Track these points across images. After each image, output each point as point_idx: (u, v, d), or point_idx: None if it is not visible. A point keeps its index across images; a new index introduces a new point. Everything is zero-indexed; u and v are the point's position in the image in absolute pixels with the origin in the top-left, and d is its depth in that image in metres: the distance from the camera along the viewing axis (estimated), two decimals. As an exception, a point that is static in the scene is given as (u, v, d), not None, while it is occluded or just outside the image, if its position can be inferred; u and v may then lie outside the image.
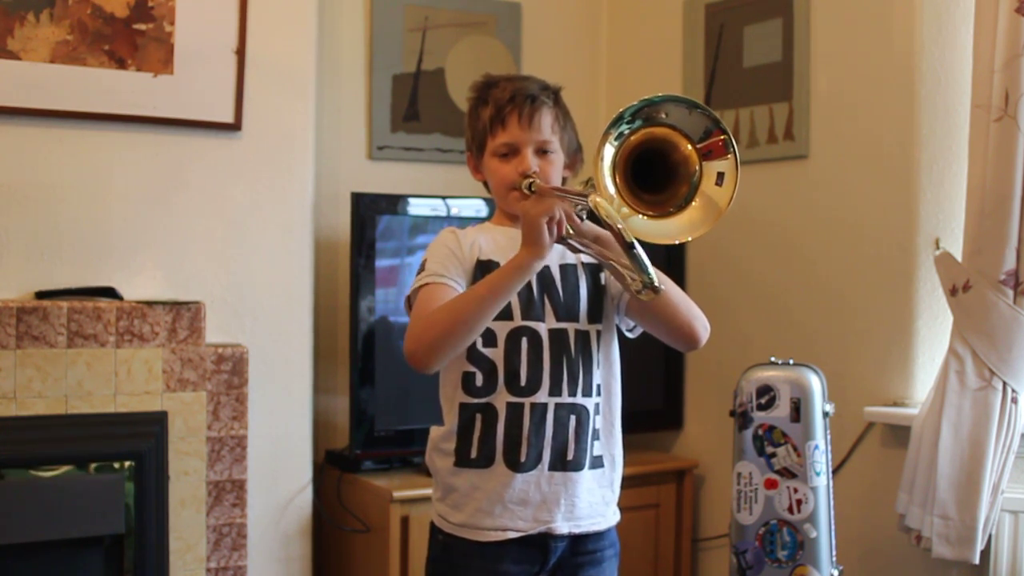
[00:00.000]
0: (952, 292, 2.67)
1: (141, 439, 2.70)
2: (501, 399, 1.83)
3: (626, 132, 1.64)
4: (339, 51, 3.38)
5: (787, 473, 2.67)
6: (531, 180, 1.84)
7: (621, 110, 1.62)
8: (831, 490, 2.69)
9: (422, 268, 1.88)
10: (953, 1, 2.82)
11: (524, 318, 1.84)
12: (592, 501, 1.88)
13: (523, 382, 1.83)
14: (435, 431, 1.92)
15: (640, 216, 1.66)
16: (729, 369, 3.04)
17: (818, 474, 2.65)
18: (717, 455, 3.35)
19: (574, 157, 1.96)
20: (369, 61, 3.42)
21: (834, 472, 2.79)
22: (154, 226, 2.88)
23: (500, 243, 1.89)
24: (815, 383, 2.68)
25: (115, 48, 2.81)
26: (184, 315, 2.79)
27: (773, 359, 2.75)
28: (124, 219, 2.85)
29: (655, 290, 1.65)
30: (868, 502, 2.95)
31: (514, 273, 1.73)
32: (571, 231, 1.74)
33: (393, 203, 3.10)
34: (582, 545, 1.89)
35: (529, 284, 1.85)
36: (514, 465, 1.83)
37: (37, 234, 2.76)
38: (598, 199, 1.64)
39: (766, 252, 3.28)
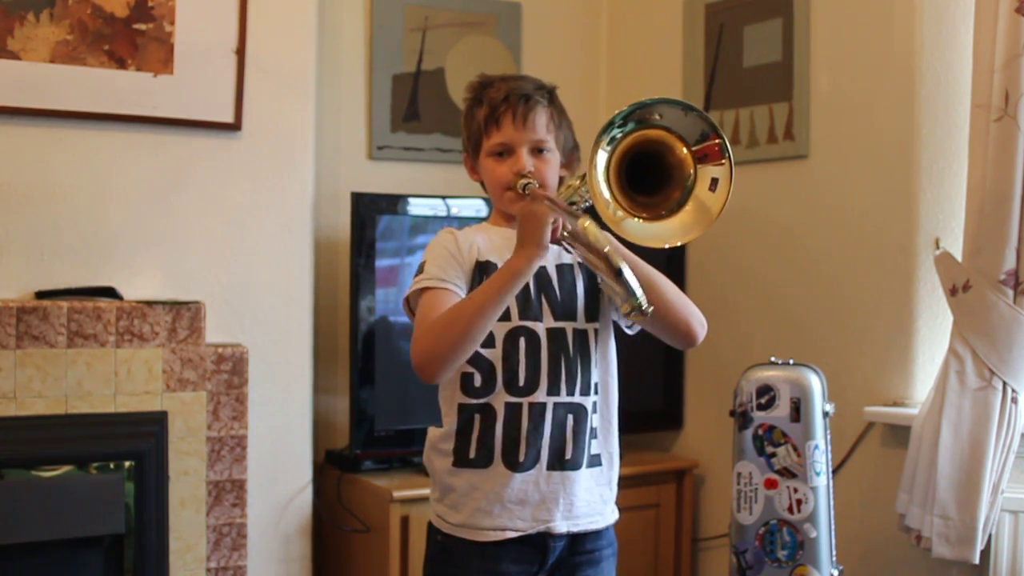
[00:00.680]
0: (952, 292, 2.67)
1: (141, 439, 2.70)
2: (499, 399, 1.83)
3: (618, 136, 1.63)
4: (339, 51, 3.38)
5: (787, 473, 2.67)
6: (526, 180, 1.84)
7: (612, 116, 1.62)
8: (831, 490, 2.69)
9: (421, 270, 1.88)
10: (953, 1, 2.82)
11: (522, 318, 1.84)
12: (590, 500, 1.89)
13: (521, 382, 1.83)
14: (433, 432, 1.92)
15: (635, 219, 1.66)
16: (729, 369, 3.04)
17: (818, 474, 2.65)
18: (717, 455, 3.35)
19: (570, 156, 1.96)
20: (369, 61, 3.42)
21: (834, 472, 2.79)
22: (154, 226, 2.88)
23: (497, 243, 1.89)
24: (815, 383, 2.68)
25: (115, 48, 2.81)
26: (184, 315, 2.79)
27: (773, 359, 2.75)
28: (124, 219, 2.85)
29: (643, 313, 1.65)
30: (868, 502, 2.95)
31: (510, 278, 1.73)
32: (565, 236, 1.74)
33: (393, 203, 3.10)
34: (580, 545, 1.89)
35: (527, 284, 1.85)
36: (512, 465, 1.83)
37: (37, 234, 2.76)
38: (586, 224, 1.66)
39: (766, 252, 3.28)
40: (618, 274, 1.64)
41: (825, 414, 2.68)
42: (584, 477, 1.87)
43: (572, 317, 1.87)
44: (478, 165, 1.95)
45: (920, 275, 2.88)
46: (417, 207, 3.15)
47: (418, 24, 3.47)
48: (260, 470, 2.96)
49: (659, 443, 3.59)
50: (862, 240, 3.01)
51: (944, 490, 2.61)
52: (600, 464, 1.90)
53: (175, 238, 2.90)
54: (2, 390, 2.60)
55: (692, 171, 1.67)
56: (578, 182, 1.71)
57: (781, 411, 2.68)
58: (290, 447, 3.04)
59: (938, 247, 2.78)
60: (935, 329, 2.87)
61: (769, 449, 2.68)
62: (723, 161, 1.66)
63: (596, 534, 1.90)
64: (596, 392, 1.89)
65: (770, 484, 2.68)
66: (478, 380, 1.84)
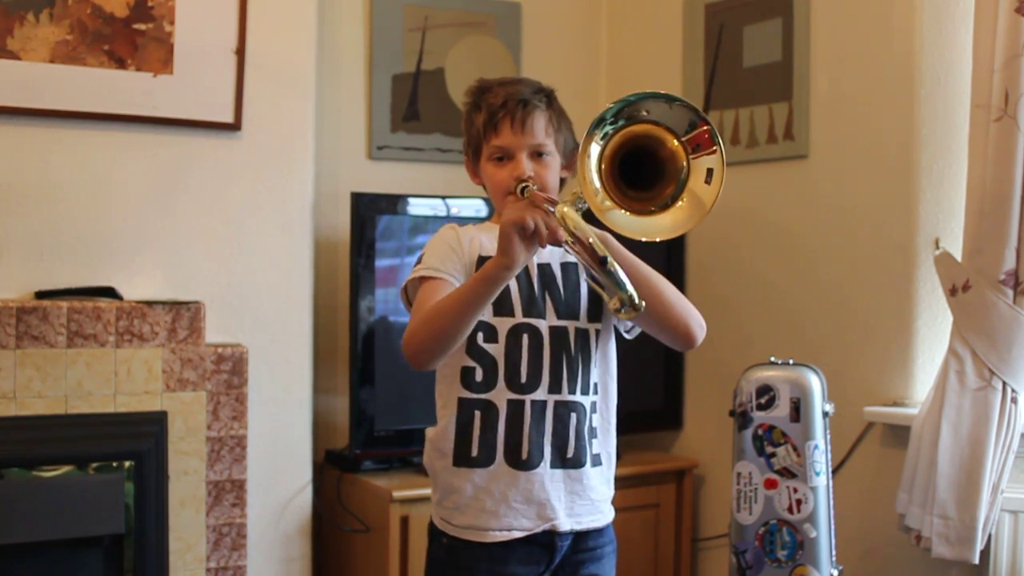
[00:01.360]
0: (952, 292, 2.67)
1: (141, 439, 2.70)
2: (501, 396, 1.84)
3: (610, 132, 1.63)
4: (339, 51, 3.38)
5: (787, 473, 2.67)
6: (526, 184, 1.84)
7: (602, 111, 1.61)
8: (831, 490, 2.69)
9: (420, 260, 1.88)
10: (953, 1, 2.82)
11: (525, 315, 1.85)
12: (593, 498, 1.89)
13: (523, 379, 1.83)
14: (431, 432, 1.91)
15: (622, 211, 1.64)
16: (729, 369, 3.04)
17: (818, 474, 2.65)
18: (717, 455, 3.35)
19: (571, 158, 1.95)
20: (369, 61, 3.42)
21: (834, 472, 2.79)
22: (154, 226, 2.88)
23: None
24: (815, 383, 2.68)
25: (115, 48, 2.81)
26: (184, 315, 2.79)
27: (773, 359, 2.75)
28: (124, 219, 2.85)
29: (635, 307, 1.62)
30: (868, 502, 2.95)
31: (483, 284, 1.70)
32: (568, 239, 1.72)
33: (393, 203, 3.10)
34: (583, 542, 1.90)
35: (531, 281, 1.86)
36: (516, 463, 1.83)
37: (37, 234, 2.76)
38: (565, 209, 1.64)
39: (766, 252, 3.28)
40: (602, 263, 1.61)
41: (825, 414, 2.68)
42: (587, 476, 1.87)
43: (575, 316, 1.88)
44: (479, 169, 1.95)
45: (920, 275, 2.88)
46: (417, 207, 3.15)
47: (418, 24, 3.47)
48: (260, 470, 2.96)
49: (659, 443, 3.59)
50: (862, 240, 3.01)
51: (944, 490, 2.61)
52: (601, 463, 1.91)
53: (175, 238, 2.90)
54: (2, 390, 2.60)
55: (685, 163, 1.66)
56: (573, 196, 1.70)
57: (781, 411, 2.68)
58: (290, 447, 3.04)
59: (938, 247, 2.78)
60: (935, 329, 2.87)
61: (769, 449, 2.68)
62: (714, 149, 1.65)
63: (598, 531, 1.91)
64: (596, 392, 1.90)
65: (770, 484, 2.68)
66: (479, 374, 1.84)
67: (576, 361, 1.86)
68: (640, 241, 1.66)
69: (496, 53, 3.59)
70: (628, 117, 1.63)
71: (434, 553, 1.92)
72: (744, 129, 3.30)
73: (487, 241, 1.89)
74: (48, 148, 2.78)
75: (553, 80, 1.99)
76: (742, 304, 3.32)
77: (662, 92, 1.64)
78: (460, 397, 1.86)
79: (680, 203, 1.66)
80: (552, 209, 1.67)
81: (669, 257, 3.36)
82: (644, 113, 1.64)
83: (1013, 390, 2.58)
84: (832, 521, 2.68)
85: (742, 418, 2.73)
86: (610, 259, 1.62)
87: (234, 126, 2.94)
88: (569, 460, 1.85)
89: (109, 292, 2.78)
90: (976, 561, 2.59)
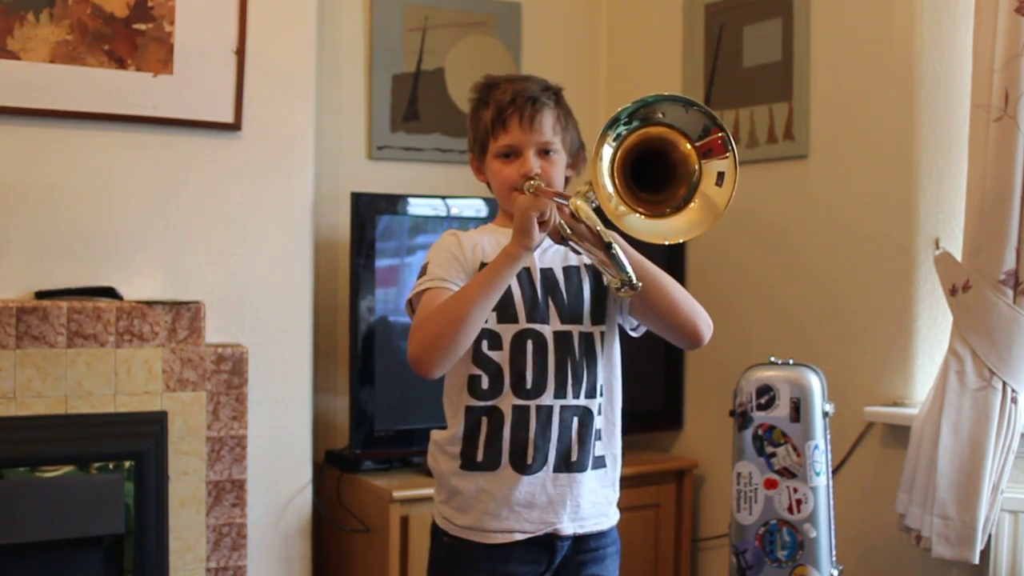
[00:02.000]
0: (952, 292, 2.67)
1: (141, 439, 2.70)
2: (507, 402, 1.83)
3: (624, 133, 1.63)
4: (339, 51, 3.38)
5: (787, 473, 2.67)
6: (533, 182, 1.84)
7: (617, 111, 1.62)
8: (831, 490, 2.69)
9: (423, 272, 1.88)
10: (953, 1, 2.82)
11: (529, 320, 1.85)
12: (596, 501, 1.89)
13: (529, 385, 1.83)
14: (438, 434, 1.91)
15: (636, 215, 1.65)
16: (729, 369, 3.04)
17: (818, 474, 2.65)
18: (717, 455, 3.35)
19: (576, 157, 1.96)
20: (369, 61, 3.42)
21: (834, 472, 2.79)
22: (154, 226, 2.88)
23: (503, 244, 1.89)
24: (815, 383, 2.68)
25: (115, 48, 2.81)
26: (184, 315, 2.79)
27: (773, 359, 2.75)
28: (124, 219, 2.85)
29: (632, 287, 1.66)
30: (868, 502, 2.95)
31: (505, 261, 1.74)
32: (568, 230, 1.74)
33: (393, 203, 3.10)
34: (585, 543, 1.89)
35: (533, 287, 1.86)
36: (520, 468, 1.83)
37: (37, 234, 2.76)
38: (578, 202, 1.66)
39: (766, 252, 3.28)
40: (608, 247, 1.65)
41: (825, 414, 2.68)
42: (589, 479, 1.87)
43: (578, 320, 1.87)
44: (484, 166, 1.95)
45: (920, 275, 2.88)
46: (417, 207, 3.15)
47: (418, 24, 3.47)
48: (260, 470, 2.96)
49: (659, 443, 3.59)
50: (862, 240, 3.01)
51: (944, 490, 2.61)
52: (604, 466, 1.90)
53: (175, 238, 2.90)
54: (2, 390, 2.60)
55: (697, 167, 1.66)
56: (586, 187, 1.70)
57: (781, 411, 2.68)
58: (290, 447, 3.04)
59: (938, 247, 2.78)
60: (935, 329, 2.87)
61: (769, 449, 2.68)
62: (727, 155, 1.65)
63: (601, 534, 1.91)
64: (601, 395, 1.90)
65: (770, 484, 2.68)
66: (485, 382, 1.84)
67: (581, 365, 1.86)
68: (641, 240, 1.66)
69: (496, 53, 3.59)
70: (643, 118, 1.63)
71: (436, 553, 1.93)
72: (744, 129, 3.30)
73: (489, 246, 1.89)
74: (48, 148, 2.78)
75: (553, 80, 1.99)
76: (742, 304, 3.32)
77: (680, 96, 1.66)
78: (468, 405, 1.85)
79: (693, 204, 1.66)
80: (564, 202, 1.71)
81: (669, 257, 3.36)
82: (660, 115, 1.64)
83: (1013, 390, 2.58)
84: (832, 521, 2.68)
85: (742, 418, 2.73)
86: (615, 244, 1.66)
87: (234, 126, 2.94)
88: (573, 463, 1.85)
89: (109, 292, 2.78)
90: (976, 561, 2.59)
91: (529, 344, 1.84)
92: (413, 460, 3.15)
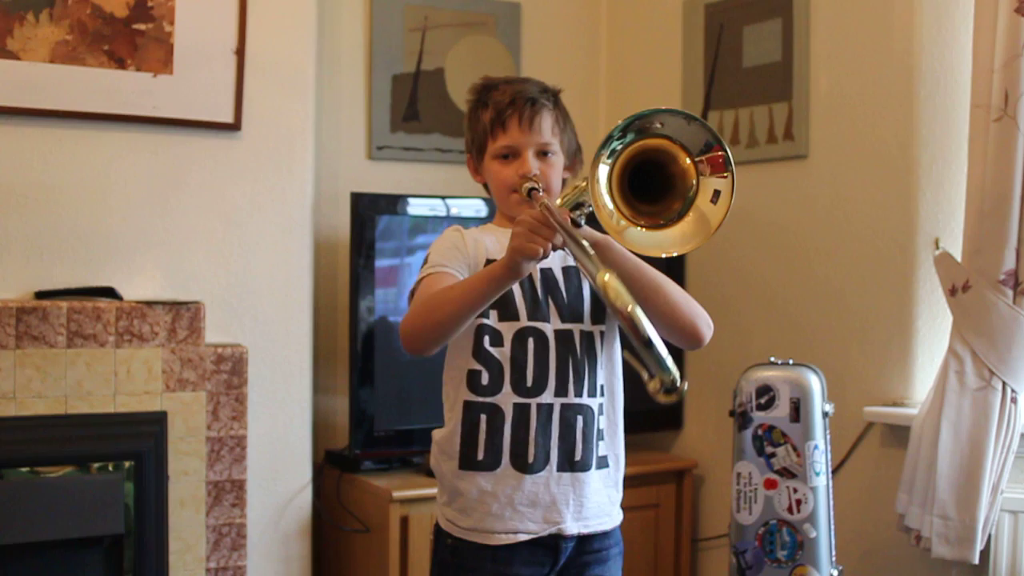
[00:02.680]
0: (952, 292, 2.67)
1: (141, 439, 2.70)
2: (507, 400, 1.83)
3: (618, 148, 1.62)
4: (339, 51, 3.38)
5: (787, 473, 2.67)
6: (531, 184, 1.84)
7: (610, 129, 1.61)
8: (831, 490, 2.69)
9: (426, 262, 1.88)
10: (953, 1, 2.82)
11: (530, 319, 1.85)
12: (600, 501, 1.89)
13: (529, 382, 1.83)
14: (438, 434, 1.91)
15: (637, 228, 1.65)
16: (729, 369, 3.04)
17: (818, 474, 2.65)
18: (717, 455, 3.35)
19: (574, 159, 1.96)
20: (369, 61, 3.42)
21: (834, 472, 2.79)
22: (154, 226, 2.88)
23: (504, 244, 1.88)
24: (815, 383, 2.68)
25: (115, 48, 2.81)
26: (184, 315, 2.79)
27: (773, 359, 2.75)
28: (124, 219, 2.85)
29: (675, 392, 1.49)
30: (868, 502, 2.95)
31: (487, 284, 1.71)
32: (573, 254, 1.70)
33: (393, 203, 3.10)
34: (589, 544, 1.89)
35: (533, 286, 1.86)
36: (522, 467, 1.83)
37: (37, 234, 2.76)
38: (606, 278, 1.52)
39: (766, 252, 3.28)
40: (648, 344, 1.48)
41: (825, 414, 2.68)
42: (594, 478, 1.87)
43: (579, 319, 1.87)
44: (482, 167, 1.95)
45: (920, 275, 2.88)
46: (417, 207, 3.15)
47: (418, 24, 3.47)
48: (260, 470, 2.96)
49: (659, 443, 3.59)
50: (862, 240, 3.01)
51: (944, 490, 2.61)
52: (608, 466, 1.90)
53: (175, 238, 2.90)
54: (2, 390, 2.60)
55: (695, 182, 1.66)
56: (584, 183, 1.70)
57: (781, 411, 2.68)
58: (290, 447, 3.04)
59: (938, 247, 2.78)
60: (935, 329, 2.87)
61: (769, 449, 2.68)
62: (726, 174, 1.65)
63: (604, 534, 1.91)
64: (602, 394, 1.90)
65: (770, 484, 2.68)
66: (485, 378, 1.84)
67: (582, 364, 1.86)
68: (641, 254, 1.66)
69: (496, 53, 3.59)
70: (639, 131, 1.63)
71: (439, 555, 1.92)
72: (744, 129, 3.30)
73: (491, 244, 1.89)
74: (48, 148, 2.78)
75: (553, 80, 1.99)
76: (742, 304, 3.32)
77: (680, 110, 1.65)
78: (466, 400, 1.85)
79: (687, 218, 1.66)
80: (595, 273, 1.54)
81: (669, 258, 3.35)
82: (658, 126, 1.63)
83: (1013, 390, 2.58)
84: (832, 521, 2.68)
85: (742, 418, 2.73)
86: (655, 340, 1.49)
87: (234, 126, 2.94)
88: (577, 463, 1.85)
89: (109, 292, 2.78)
90: (976, 561, 2.59)
91: (530, 342, 1.84)
92: (413, 460, 3.15)
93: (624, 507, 1.98)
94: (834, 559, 2.68)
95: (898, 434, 2.88)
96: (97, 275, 2.82)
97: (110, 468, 2.66)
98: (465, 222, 2.11)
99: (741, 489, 2.72)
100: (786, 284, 3.22)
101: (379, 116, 3.42)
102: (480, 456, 1.84)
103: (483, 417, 1.84)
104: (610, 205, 1.63)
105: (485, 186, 1.98)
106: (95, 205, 2.82)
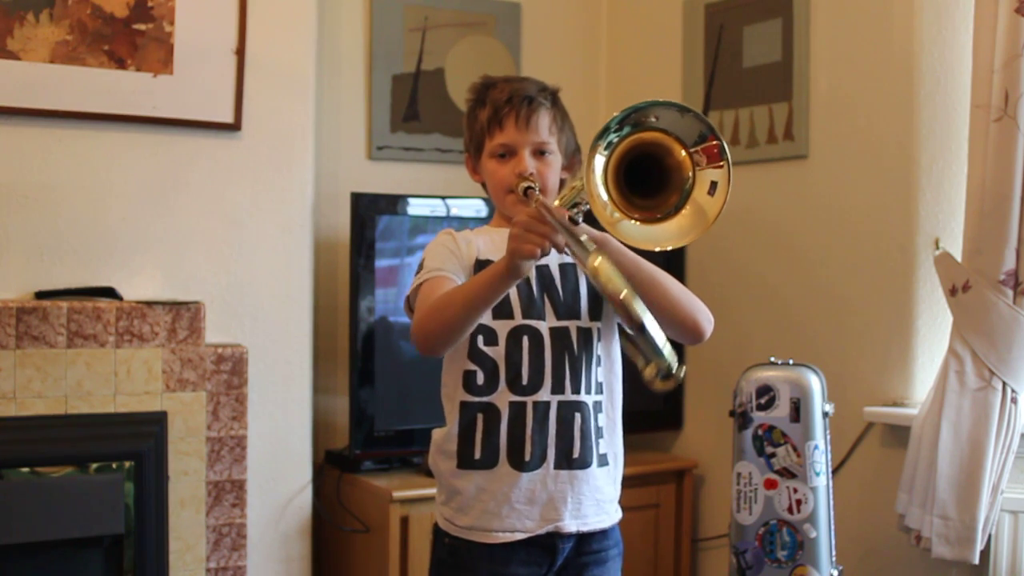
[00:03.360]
0: (952, 292, 2.67)
1: (141, 439, 2.70)
2: (503, 398, 1.83)
3: (615, 141, 1.62)
4: (339, 51, 3.38)
5: (787, 473, 2.67)
6: (528, 183, 1.83)
7: (607, 121, 1.61)
8: (831, 490, 2.69)
9: (420, 267, 1.89)
10: (953, 1, 2.82)
11: (525, 317, 1.84)
12: (598, 499, 1.88)
13: (525, 381, 1.83)
14: (437, 433, 1.91)
15: (632, 222, 1.64)
16: (729, 369, 3.04)
17: (818, 474, 2.65)
18: (717, 455, 3.35)
19: (572, 158, 1.96)
20: (369, 61, 3.42)
21: (834, 472, 2.79)
22: (154, 226, 2.88)
23: (498, 244, 1.88)
24: (815, 383, 2.68)
25: (115, 48, 2.81)
26: (184, 315, 2.79)
27: (773, 359, 2.75)
28: (124, 219, 2.85)
29: (672, 378, 1.56)
30: (868, 502, 2.95)
31: (489, 288, 1.70)
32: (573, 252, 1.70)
33: (393, 203, 3.10)
34: (587, 545, 1.89)
35: (529, 283, 1.86)
36: (519, 465, 1.83)
37: (37, 234, 2.76)
38: (597, 263, 1.57)
39: (766, 252, 3.28)
40: (641, 329, 1.54)
41: (825, 414, 2.68)
42: (592, 476, 1.87)
43: (575, 316, 1.87)
44: (480, 166, 1.95)
45: (920, 275, 2.88)
46: (416, 207, 3.15)
47: (418, 24, 3.47)
48: (260, 470, 2.96)
49: (659, 443, 3.59)
50: (862, 240, 3.01)
51: (944, 490, 2.61)
52: (607, 464, 1.90)
53: (175, 238, 2.90)
54: (2, 390, 2.60)
55: (691, 174, 1.66)
56: (580, 184, 1.69)
57: (781, 411, 2.68)
58: (290, 447, 3.04)
59: (938, 247, 2.78)
60: (935, 329, 2.87)
61: (769, 449, 2.68)
62: (721, 164, 1.65)
63: (603, 533, 1.90)
64: (600, 392, 1.89)
65: (770, 484, 2.68)
66: (480, 378, 1.84)
67: (580, 360, 1.86)
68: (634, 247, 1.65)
69: (496, 53, 3.59)
70: (635, 124, 1.62)
71: (437, 554, 1.92)
72: (744, 129, 3.30)
73: (483, 244, 1.90)
74: (48, 148, 2.78)
75: (553, 81, 1.99)
76: (742, 304, 3.32)
77: (675, 102, 1.65)
78: (463, 400, 1.85)
79: (684, 211, 1.66)
80: (586, 258, 1.60)
81: (669, 257, 3.34)
82: (653, 119, 1.63)
83: (1013, 390, 2.58)
84: (832, 521, 2.68)
85: (742, 418, 2.73)
86: (648, 323, 1.55)
87: (234, 126, 2.94)
88: (575, 460, 1.85)
89: (109, 292, 2.78)
90: (976, 561, 2.59)
91: (525, 340, 1.84)
92: (413, 460, 3.15)
93: (624, 507, 1.97)
94: (834, 559, 2.68)
95: (898, 434, 2.88)
96: (97, 275, 2.81)
97: (110, 468, 2.66)
98: (465, 222, 2.12)
99: (741, 489, 2.72)
100: (786, 284, 3.22)
101: (379, 116, 3.42)
102: (477, 455, 1.84)
103: (480, 416, 1.84)
104: (604, 196, 1.62)
105: (483, 185, 1.98)
106: (95, 205, 2.82)
